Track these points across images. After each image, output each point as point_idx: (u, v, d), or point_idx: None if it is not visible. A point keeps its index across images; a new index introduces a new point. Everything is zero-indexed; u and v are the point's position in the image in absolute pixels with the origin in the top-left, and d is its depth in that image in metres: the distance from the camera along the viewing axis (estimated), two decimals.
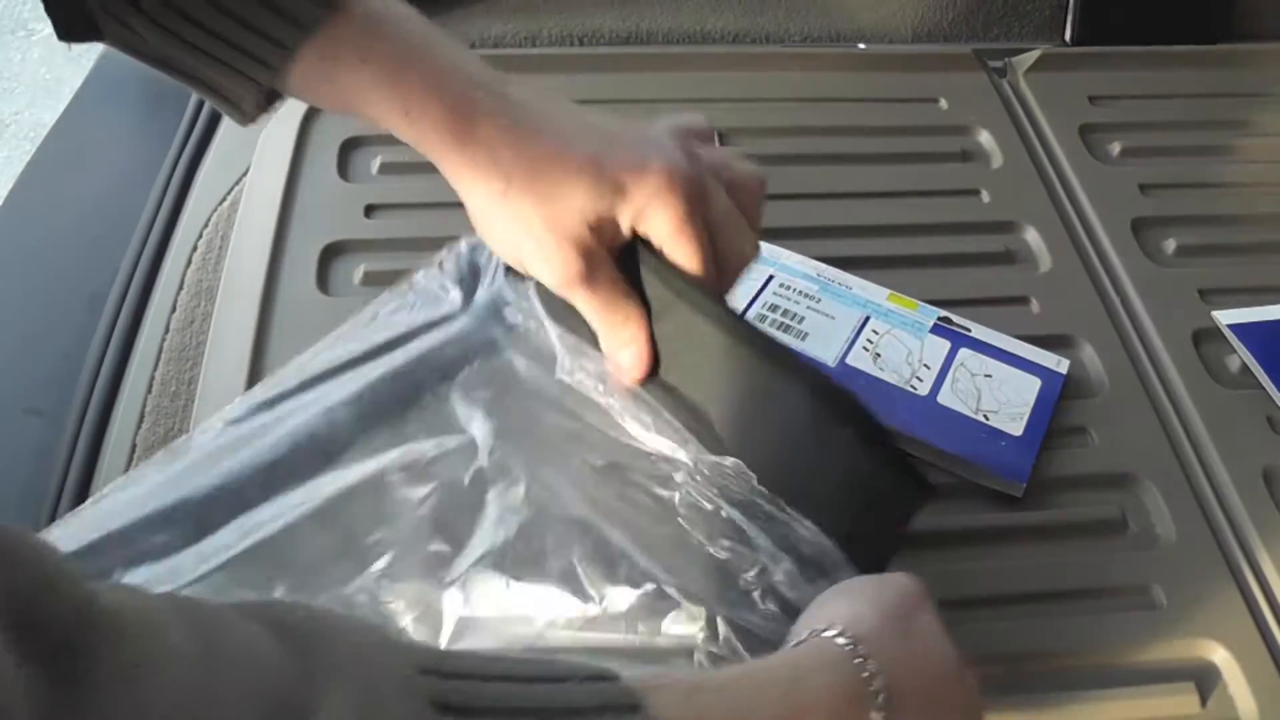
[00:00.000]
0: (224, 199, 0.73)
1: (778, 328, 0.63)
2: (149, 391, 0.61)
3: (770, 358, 0.46)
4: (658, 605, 0.43)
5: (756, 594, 0.43)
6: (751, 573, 0.43)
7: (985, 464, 0.57)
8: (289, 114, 0.76)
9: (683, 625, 0.43)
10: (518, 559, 0.44)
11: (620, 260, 0.47)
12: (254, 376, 0.58)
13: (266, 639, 0.27)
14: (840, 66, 0.84)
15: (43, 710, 0.21)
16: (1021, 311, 0.67)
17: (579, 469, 0.47)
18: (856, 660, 0.37)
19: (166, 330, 0.65)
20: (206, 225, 0.71)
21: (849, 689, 0.36)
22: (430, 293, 0.52)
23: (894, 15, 0.90)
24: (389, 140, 0.76)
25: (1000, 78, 0.85)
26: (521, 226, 0.45)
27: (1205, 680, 0.50)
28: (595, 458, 0.47)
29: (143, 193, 0.74)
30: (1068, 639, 0.51)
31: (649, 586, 0.43)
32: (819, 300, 0.64)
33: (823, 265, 0.66)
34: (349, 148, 0.74)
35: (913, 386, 0.60)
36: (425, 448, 0.47)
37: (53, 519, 0.51)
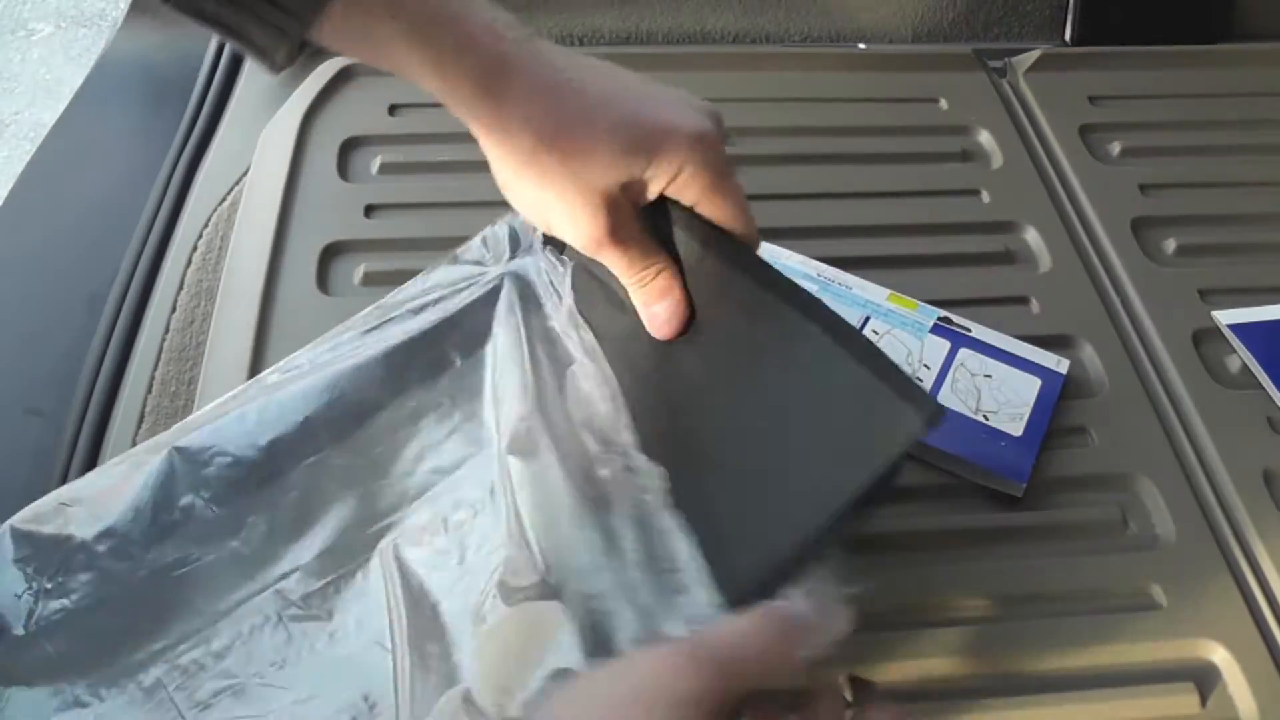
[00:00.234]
0: (224, 199, 0.73)
1: None
2: (149, 391, 0.61)
3: (803, 309, 0.45)
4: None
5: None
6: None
7: (985, 464, 0.57)
8: (289, 114, 0.76)
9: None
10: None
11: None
12: (254, 377, 0.58)
13: None
14: (840, 66, 0.84)
15: None
16: (1021, 311, 0.67)
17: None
18: None
19: (166, 330, 0.65)
20: (206, 225, 0.71)
21: None
22: (474, 259, 0.56)
23: (894, 15, 0.90)
24: (389, 140, 0.77)
25: (1000, 78, 0.85)
26: (549, 186, 0.45)
27: (1205, 680, 0.50)
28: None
29: (143, 193, 0.74)
30: (1068, 639, 0.51)
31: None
32: None
33: (822, 265, 0.66)
34: (349, 148, 0.74)
35: None
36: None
37: None
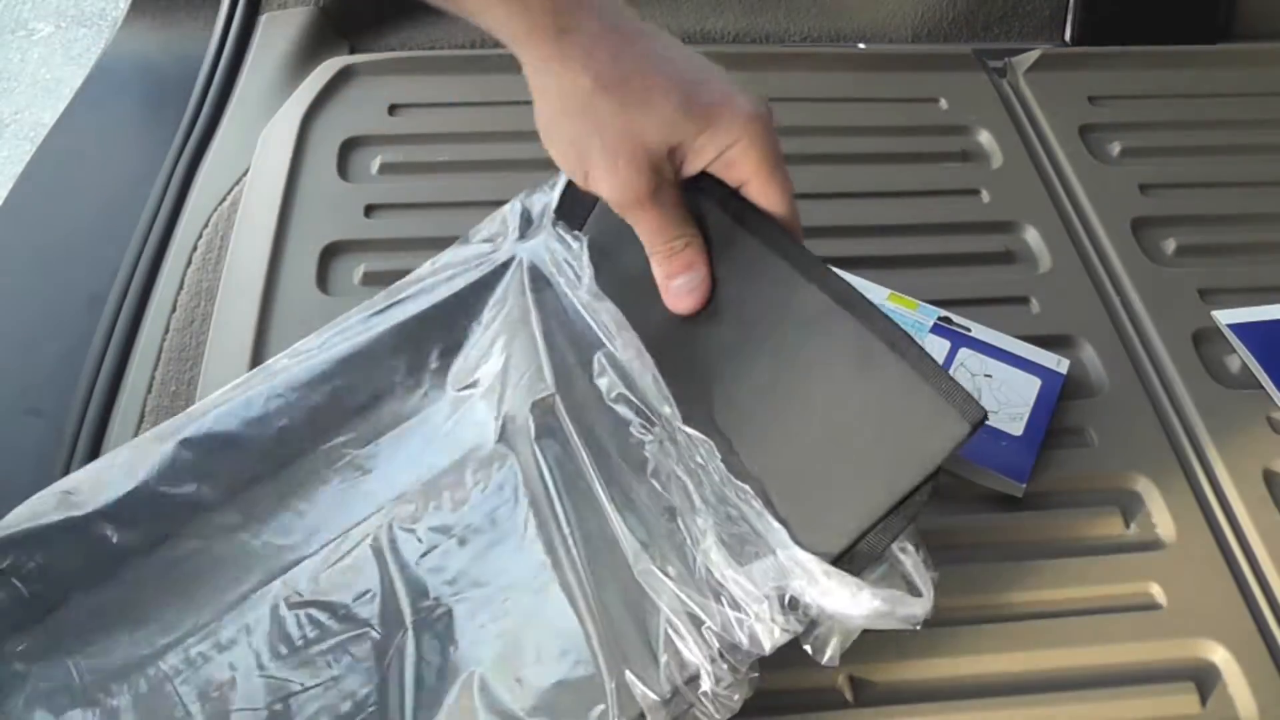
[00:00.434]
0: (224, 199, 0.73)
1: None
2: (149, 391, 0.61)
3: (846, 303, 0.45)
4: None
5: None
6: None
7: (985, 464, 0.57)
8: (289, 114, 0.76)
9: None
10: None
11: None
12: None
13: None
14: (840, 66, 0.84)
15: None
16: (1021, 311, 0.67)
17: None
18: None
19: (166, 330, 0.65)
20: (206, 225, 0.71)
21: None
22: (489, 237, 0.56)
23: (894, 15, 0.90)
24: (389, 140, 0.77)
25: (1000, 78, 0.85)
26: (595, 132, 0.44)
27: (1205, 680, 0.50)
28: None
29: (143, 193, 0.74)
30: (1068, 639, 0.51)
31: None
32: None
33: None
34: (349, 148, 0.74)
35: None
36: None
37: None
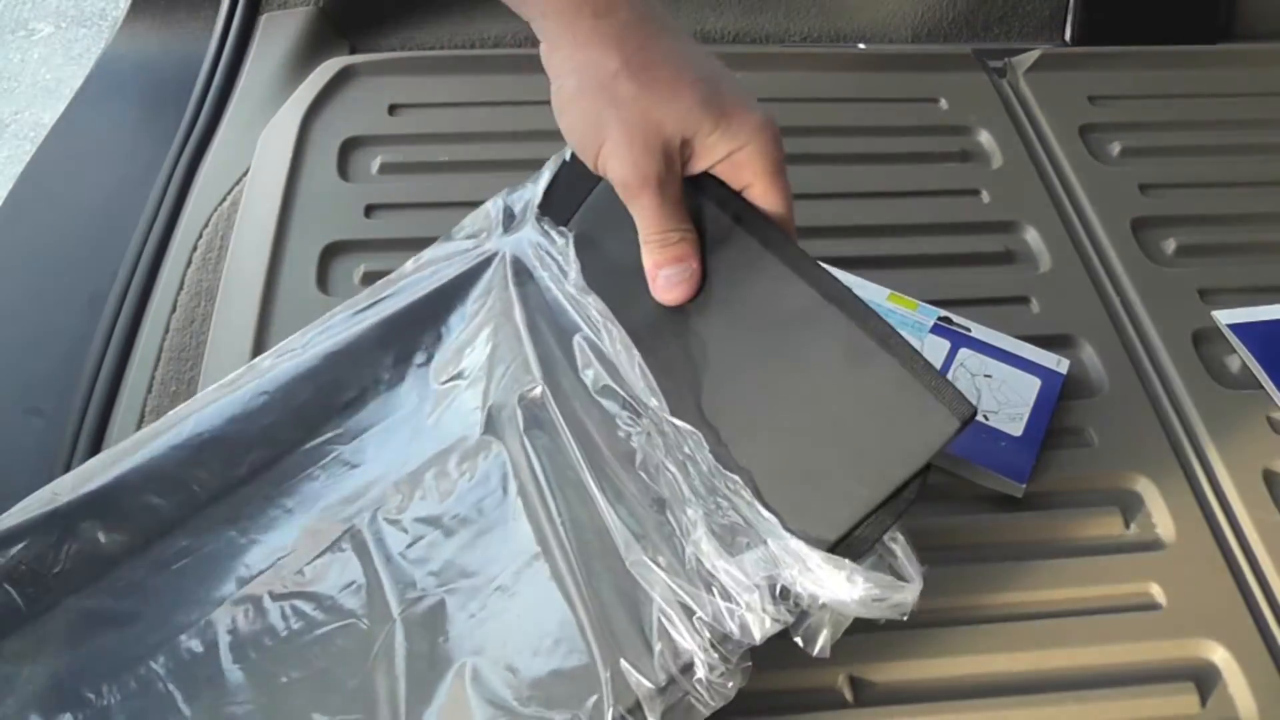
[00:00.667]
0: (224, 199, 0.73)
1: None
2: (149, 391, 0.61)
3: (838, 301, 0.46)
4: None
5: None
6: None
7: (985, 464, 0.57)
8: (289, 114, 0.76)
9: None
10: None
11: None
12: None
13: None
14: (840, 66, 0.84)
15: None
16: (1021, 311, 0.67)
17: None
18: None
19: (166, 330, 0.65)
20: (206, 225, 0.71)
21: None
22: (473, 233, 0.56)
23: (894, 15, 0.90)
24: (389, 140, 0.77)
25: (1000, 78, 0.85)
26: (613, 112, 0.45)
27: (1205, 680, 0.50)
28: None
29: (143, 193, 0.74)
30: (1068, 639, 0.51)
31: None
32: None
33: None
34: (349, 148, 0.74)
35: None
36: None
37: None
